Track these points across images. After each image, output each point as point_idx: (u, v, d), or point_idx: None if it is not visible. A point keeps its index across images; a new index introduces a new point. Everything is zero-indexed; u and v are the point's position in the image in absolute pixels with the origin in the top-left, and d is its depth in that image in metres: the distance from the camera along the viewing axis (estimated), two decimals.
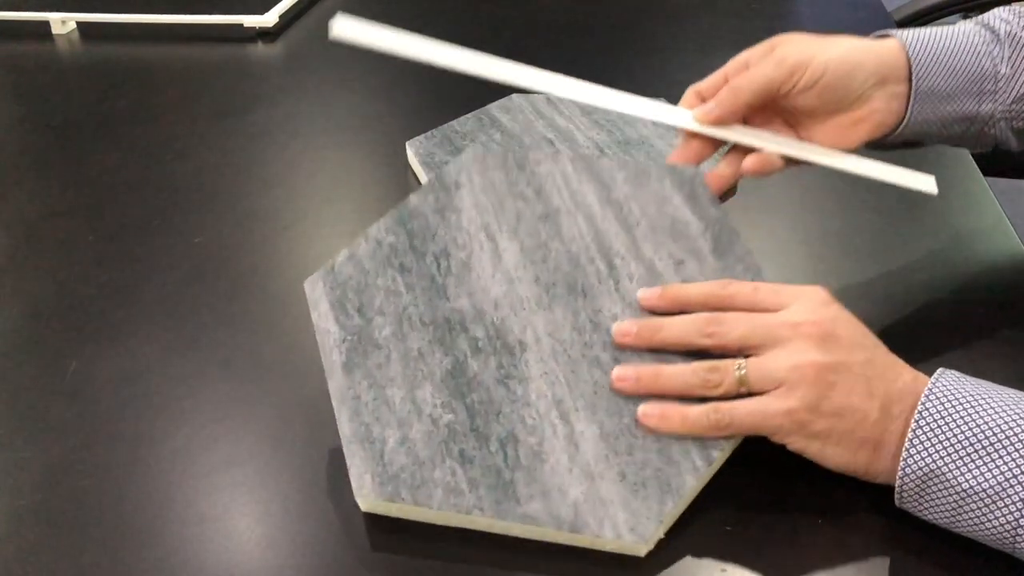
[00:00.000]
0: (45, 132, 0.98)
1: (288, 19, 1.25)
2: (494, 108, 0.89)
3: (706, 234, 0.54)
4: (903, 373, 0.48)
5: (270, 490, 0.52)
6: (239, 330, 0.65)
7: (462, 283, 0.54)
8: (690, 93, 0.62)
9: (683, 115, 0.60)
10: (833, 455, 0.47)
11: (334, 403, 0.52)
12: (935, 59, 0.61)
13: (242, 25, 1.21)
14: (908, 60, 0.60)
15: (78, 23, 1.27)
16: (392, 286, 0.54)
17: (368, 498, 0.48)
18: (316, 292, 0.55)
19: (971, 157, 0.82)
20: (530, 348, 0.51)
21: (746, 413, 0.47)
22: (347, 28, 0.61)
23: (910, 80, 0.60)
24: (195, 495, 0.52)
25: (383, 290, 0.54)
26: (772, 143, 0.60)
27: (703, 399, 0.49)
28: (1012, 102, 0.63)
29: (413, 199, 0.57)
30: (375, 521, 0.49)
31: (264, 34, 1.21)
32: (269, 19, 1.20)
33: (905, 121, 0.61)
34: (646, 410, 0.49)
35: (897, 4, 1.44)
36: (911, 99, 0.60)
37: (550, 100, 0.89)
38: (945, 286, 0.66)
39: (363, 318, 0.53)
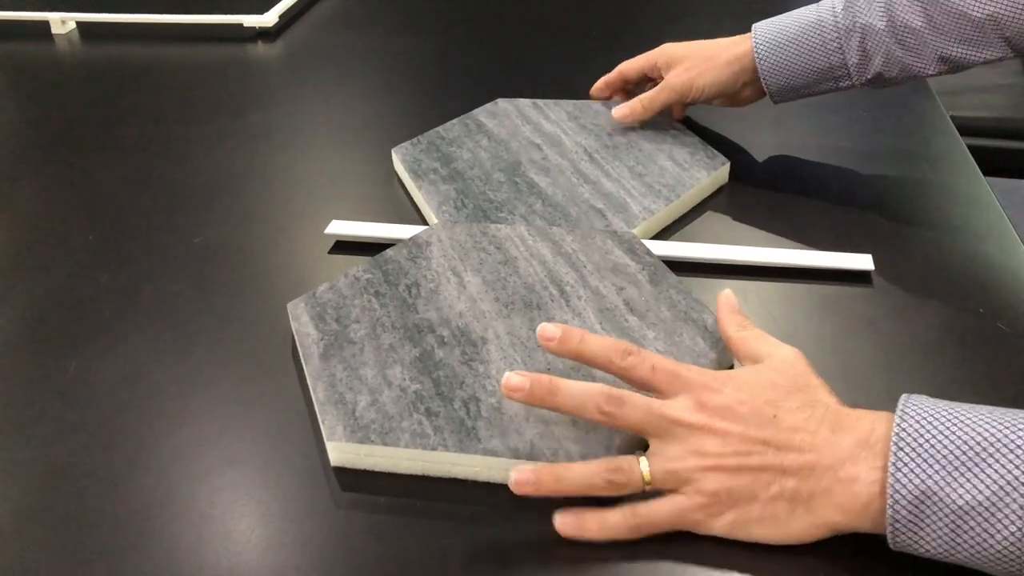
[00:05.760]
0: (45, 132, 0.98)
1: (288, 19, 1.25)
2: (480, 113, 0.87)
3: (643, 272, 0.63)
4: (805, 427, 0.46)
5: (270, 490, 0.52)
6: (239, 330, 0.65)
7: (430, 302, 0.61)
8: (601, 83, 0.87)
9: None
10: (766, 533, 0.46)
11: (309, 381, 0.56)
12: (781, 65, 0.75)
13: (242, 25, 1.21)
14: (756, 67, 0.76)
15: (78, 23, 1.27)
16: (367, 305, 0.62)
17: (339, 443, 0.52)
18: (298, 310, 0.62)
19: (971, 157, 0.82)
20: (491, 342, 0.58)
21: (663, 514, 0.47)
22: (338, 227, 0.73)
23: None
24: (195, 495, 0.52)
25: (359, 307, 0.61)
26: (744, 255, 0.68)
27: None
28: (868, 81, 0.74)
29: (389, 252, 0.66)
30: (374, 520, 0.49)
31: (264, 34, 1.21)
32: (269, 19, 1.20)
33: (775, 102, 0.79)
34: (563, 519, 0.47)
35: None
36: (767, 93, 0.77)
37: (536, 104, 0.88)
38: (945, 286, 0.66)
39: (340, 325, 0.60)
